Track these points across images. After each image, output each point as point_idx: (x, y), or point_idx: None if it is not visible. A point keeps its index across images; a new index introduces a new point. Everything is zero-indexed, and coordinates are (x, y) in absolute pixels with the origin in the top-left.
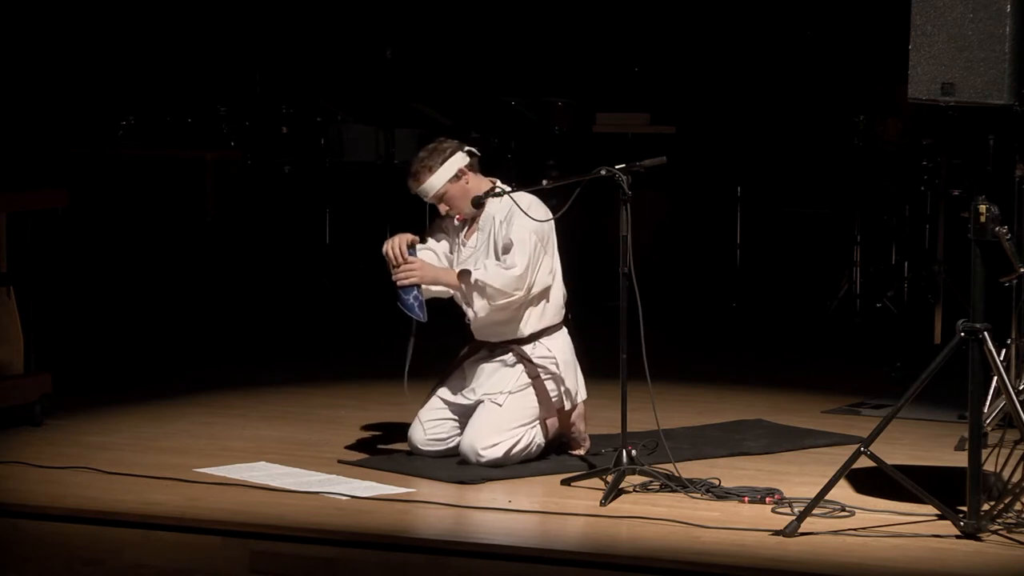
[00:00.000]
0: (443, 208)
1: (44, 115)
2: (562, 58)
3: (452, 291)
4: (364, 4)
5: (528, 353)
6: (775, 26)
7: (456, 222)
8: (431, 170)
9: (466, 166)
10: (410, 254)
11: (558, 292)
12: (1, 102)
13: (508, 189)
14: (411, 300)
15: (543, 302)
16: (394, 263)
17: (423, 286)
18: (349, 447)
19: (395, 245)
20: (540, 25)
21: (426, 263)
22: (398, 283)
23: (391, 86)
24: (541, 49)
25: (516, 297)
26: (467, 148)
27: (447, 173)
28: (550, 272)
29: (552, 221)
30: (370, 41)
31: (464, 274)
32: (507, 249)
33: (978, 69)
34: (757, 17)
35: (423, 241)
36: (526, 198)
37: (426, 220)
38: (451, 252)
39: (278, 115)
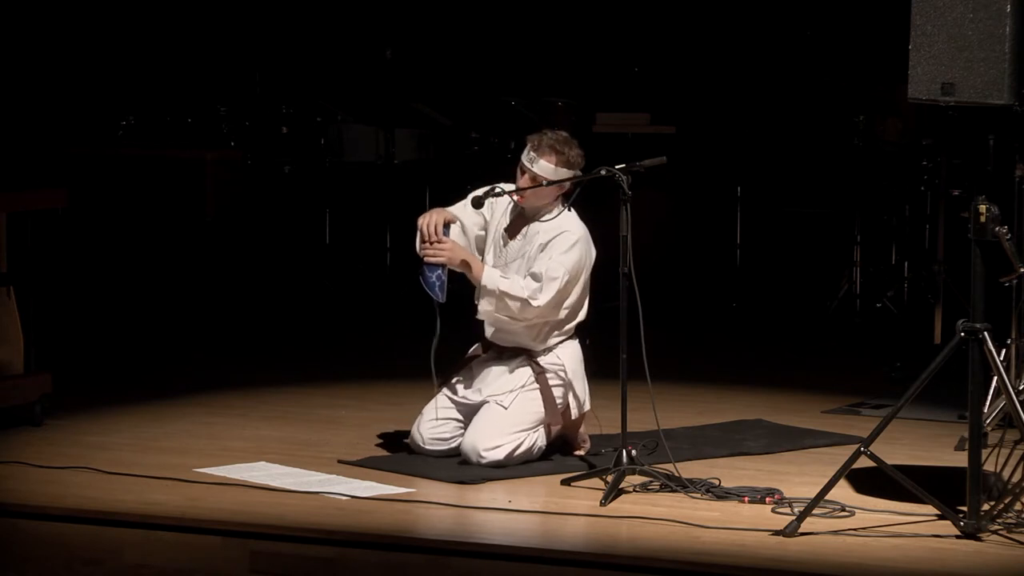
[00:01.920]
0: (523, 182)
1: (44, 115)
2: (562, 58)
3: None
4: (364, 4)
5: (538, 359)
6: (775, 26)
7: (515, 200)
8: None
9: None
10: (444, 233)
11: (579, 318)
12: (1, 102)
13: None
14: (434, 278)
15: (560, 325)
16: (426, 238)
17: (447, 267)
18: (349, 447)
19: (431, 221)
20: (540, 25)
21: (458, 246)
22: (425, 259)
23: (391, 86)
24: (541, 49)
25: (520, 323)
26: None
27: (562, 175)
28: (569, 307)
29: (592, 256)
30: (370, 41)
31: (490, 275)
32: (535, 277)
33: (978, 69)
34: (757, 17)
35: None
36: (576, 230)
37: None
38: (482, 229)
39: (278, 115)
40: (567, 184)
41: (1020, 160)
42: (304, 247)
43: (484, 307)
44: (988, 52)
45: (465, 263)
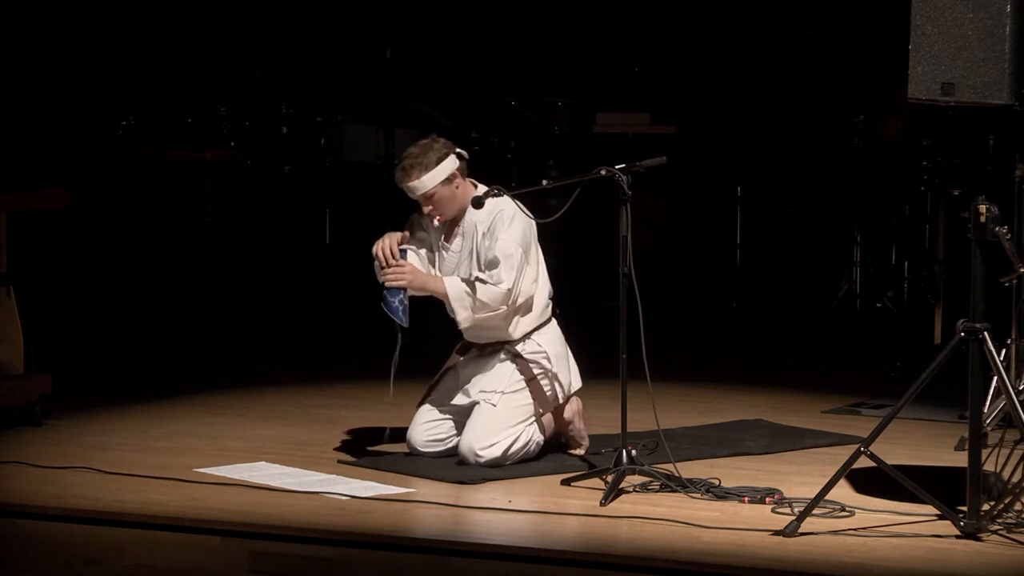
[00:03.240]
0: (427, 208)
1: (44, 115)
2: (562, 58)
3: (436, 296)
4: (364, 4)
5: (519, 350)
6: (775, 26)
7: (436, 223)
8: (426, 168)
9: (457, 169)
10: (401, 255)
11: (543, 292)
12: (1, 102)
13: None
14: (396, 304)
15: (529, 307)
16: (383, 264)
17: (409, 291)
18: (349, 447)
19: (386, 246)
20: (540, 25)
21: (416, 268)
22: (386, 284)
23: (391, 86)
24: (541, 49)
25: (500, 311)
26: (458, 150)
27: (440, 175)
28: (534, 280)
29: (534, 225)
30: (370, 41)
31: (452, 284)
32: (492, 264)
33: (978, 69)
34: (757, 17)
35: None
36: (507, 206)
37: None
38: (432, 251)
39: (278, 115)
40: (455, 172)
41: (1020, 160)
42: (304, 247)
43: (462, 315)
44: (988, 52)
45: (427, 283)
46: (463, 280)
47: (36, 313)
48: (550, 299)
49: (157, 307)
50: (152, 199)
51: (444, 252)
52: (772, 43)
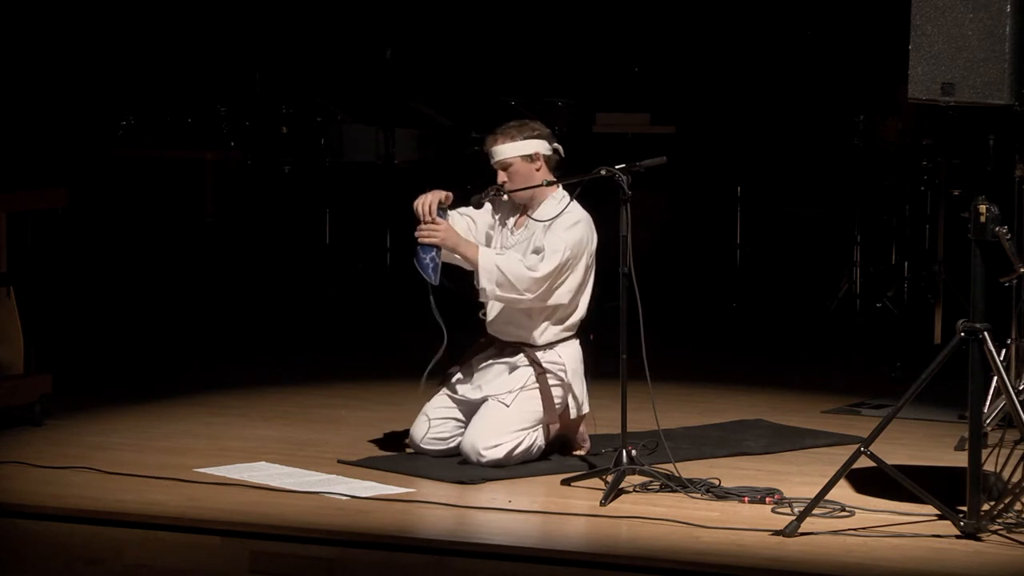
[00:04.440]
0: (502, 177)
1: (44, 115)
2: (562, 58)
3: (467, 264)
4: (364, 4)
5: (538, 357)
6: (775, 26)
7: (505, 198)
8: (512, 138)
9: (544, 155)
10: (439, 214)
11: (579, 312)
12: (1, 102)
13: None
14: (427, 260)
15: (562, 318)
16: (420, 220)
17: (443, 250)
18: (349, 447)
19: (426, 202)
20: (540, 25)
21: (451, 228)
22: (419, 240)
23: (391, 86)
24: (541, 49)
25: (525, 298)
26: (556, 145)
27: (524, 149)
28: (572, 291)
29: (594, 242)
30: (370, 41)
31: (485, 253)
32: (536, 251)
33: (978, 69)
34: (757, 17)
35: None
36: (578, 213)
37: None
38: (491, 229)
39: (278, 115)
40: (541, 153)
41: (1020, 160)
42: (304, 247)
43: (484, 285)
44: (988, 52)
45: (459, 245)
46: (498, 254)
47: (36, 313)
48: (581, 320)
49: (157, 307)
50: (152, 199)
51: (509, 235)
52: (772, 43)
